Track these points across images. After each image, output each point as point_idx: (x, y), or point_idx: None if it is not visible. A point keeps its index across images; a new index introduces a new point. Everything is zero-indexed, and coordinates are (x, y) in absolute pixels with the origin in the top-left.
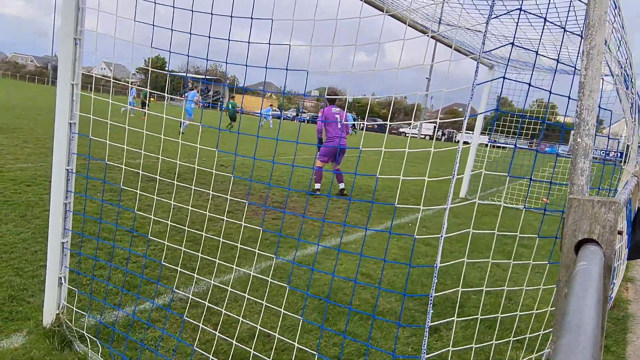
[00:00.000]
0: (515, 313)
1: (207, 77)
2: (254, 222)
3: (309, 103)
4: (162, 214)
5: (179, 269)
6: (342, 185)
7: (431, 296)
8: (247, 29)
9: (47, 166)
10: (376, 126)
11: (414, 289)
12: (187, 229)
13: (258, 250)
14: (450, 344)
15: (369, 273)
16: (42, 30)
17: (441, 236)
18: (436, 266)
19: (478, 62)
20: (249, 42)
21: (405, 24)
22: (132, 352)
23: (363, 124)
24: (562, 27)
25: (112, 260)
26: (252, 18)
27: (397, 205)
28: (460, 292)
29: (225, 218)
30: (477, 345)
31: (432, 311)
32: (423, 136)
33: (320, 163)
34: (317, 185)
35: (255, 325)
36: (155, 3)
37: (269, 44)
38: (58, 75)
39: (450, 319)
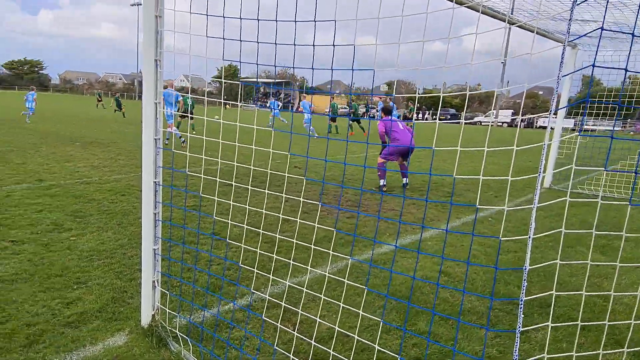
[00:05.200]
0: (629, 321)
1: (277, 80)
2: (329, 221)
3: (378, 98)
4: (241, 217)
5: (255, 270)
6: (405, 180)
7: (521, 300)
8: (316, 30)
9: (139, 177)
10: (449, 116)
11: (497, 288)
12: (262, 231)
13: (333, 250)
14: (545, 351)
15: (447, 271)
16: (129, 48)
17: (529, 237)
18: (525, 269)
19: (563, 52)
20: (313, 45)
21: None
22: (220, 350)
23: (428, 115)
24: None
25: (196, 264)
26: (315, 21)
27: (479, 207)
28: (554, 296)
29: (298, 219)
30: (579, 354)
31: (521, 312)
32: (500, 124)
33: (382, 160)
34: (382, 182)
35: (333, 325)
36: (224, 17)
37: (333, 46)
38: (143, 96)
39: (544, 324)
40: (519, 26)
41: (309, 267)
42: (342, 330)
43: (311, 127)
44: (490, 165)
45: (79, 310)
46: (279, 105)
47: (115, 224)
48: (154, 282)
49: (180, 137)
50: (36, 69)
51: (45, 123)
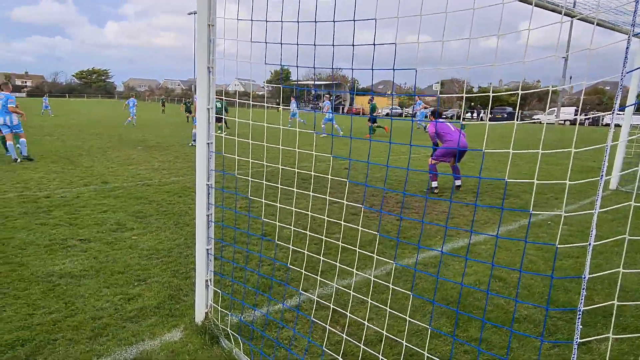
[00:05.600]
0: None
1: (327, 82)
2: (377, 224)
3: (430, 98)
4: (291, 219)
5: (303, 271)
6: (458, 182)
7: (579, 310)
8: (366, 30)
9: (194, 179)
10: (505, 115)
11: (556, 296)
12: (308, 233)
13: (384, 252)
14: None
15: (501, 276)
16: (187, 55)
17: (589, 244)
18: (584, 277)
19: (628, 46)
20: (353, 45)
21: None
22: (269, 349)
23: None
24: None
25: (247, 264)
26: (354, 20)
27: (532, 212)
28: (615, 305)
29: (342, 222)
30: None
31: (579, 323)
32: (562, 122)
33: (434, 161)
34: (434, 184)
35: (381, 329)
36: (266, 22)
37: (374, 45)
38: (197, 102)
39: (605, 335)
40: (581, 19)
41: (354, 270)
42: (389, 335)
43: (336, 126)
44: (549, 166)
45: (139, 306)
46: (299, 106)
47: (173, 224)
48: (207, 281)
49: (194, 140)
50: (103, 77)
51: (111, 128)
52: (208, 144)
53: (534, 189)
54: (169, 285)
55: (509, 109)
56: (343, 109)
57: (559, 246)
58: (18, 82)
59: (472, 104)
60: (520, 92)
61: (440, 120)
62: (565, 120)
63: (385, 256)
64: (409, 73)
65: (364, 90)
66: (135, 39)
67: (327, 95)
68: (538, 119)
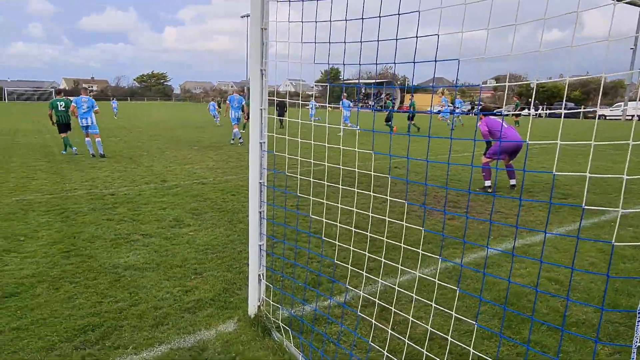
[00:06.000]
0: None
1: (377, 81)
2: (428, 222)
3: (485, 94)
4: (341, 216)
5: (350, 267)
6: (513, 182)
7: (639, 312)
8: (421, 28)
9: (246, 177)
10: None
11: (618, 300)
12: (354, 229)
13: (434, 251)
14: None
15: (558, 279)
16: (240, 57)
17: None
18: None
19: None
20: (396, 39)
21: None
22: (318, 343)
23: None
24: None
25: (297, 259)
26: (399, 14)
27: (585, 207)
28: None
29: (387, 218)
30: None
31: (637, 325)
32: (630, 117)
33: (487, 160)
34: (487, 183)
35: (430, 327)
36: (315, 22)
37: (416, 37)
38: (250, 102)
39: None
40: (629, 2)
41: (399, 266)
42: (437, 332)
43: (350, 124)
44: (616, 165)
45: (196, 298)
46: (349, 105)
47: (227, 221)
48: (259, 275)
49: (240, 138)
50: (161, 81)
51: (169, 130)
52: (260, 143)
53: (586, 184)
54: (223, 279)
55: (571, 105)
56: (394, 107)
57: (615, 244)
58: (85, 87)
59: (530, 100)
60: (567, 87)
61: (492, 116)
62: (633, 115)
63: (435, 255)
64: (463, 70)
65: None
66: (191, 43)
67: (345, 95)
68: (602, 114)
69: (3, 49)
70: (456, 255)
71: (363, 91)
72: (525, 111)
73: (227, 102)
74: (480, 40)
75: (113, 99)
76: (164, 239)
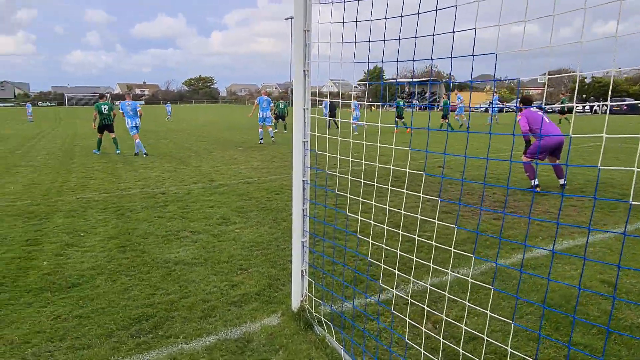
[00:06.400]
0: None
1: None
2: (473, 222)
3: (534, 91)
4: (382, 216)
5: (395, 270)
6: (562, 181)
7: None
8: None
9: (290, 177)
10: (625, 107)
11: None
12: (400, 232)
13: (477, 252)
14: None
15: (611, 281)
16: (284, 59)
17: None
18: None
19: None
20: (433, 35)
21: None
22: (359, 339)
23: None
24: None
25: (334, 256)
26: (436, 10)
27: (633, 203)
28: None
29: (435, 220)
30: None
31: None
32: None
33: (527, 158)
34: (534, 182)
35: (473, 328)
36: (356, 22)
37: (453, 32)
38: (294, 102)
39: None
40: None
41: (441, 268)
42: (477, 334)
43: (359, 123)
44: None
45: (241, 292)
46: (358, 106)
47: (271, 219)
48: (302, 271)
49: (271, 136)
50: (208, 84)
51: (216, 130)
52: (304, 142)
53: (634, 179)
54: (268, 275)
55: (629, 100)
56: (438, 105)
57: None
58: (137, 91)
59: (585, 95)
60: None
61: (533, 110)
62: None
63: (480, 255)
64: (512, 67)
65: (460, 85)
66: (237, 46)
67: (355, 95)
68: None
69: (63, 57)
70: (502, 255)
71: (406, 90)
72: (569, 105)
73: (256, 102)
74: (530, 35)
75: (167, 103)
76: (211, 235)
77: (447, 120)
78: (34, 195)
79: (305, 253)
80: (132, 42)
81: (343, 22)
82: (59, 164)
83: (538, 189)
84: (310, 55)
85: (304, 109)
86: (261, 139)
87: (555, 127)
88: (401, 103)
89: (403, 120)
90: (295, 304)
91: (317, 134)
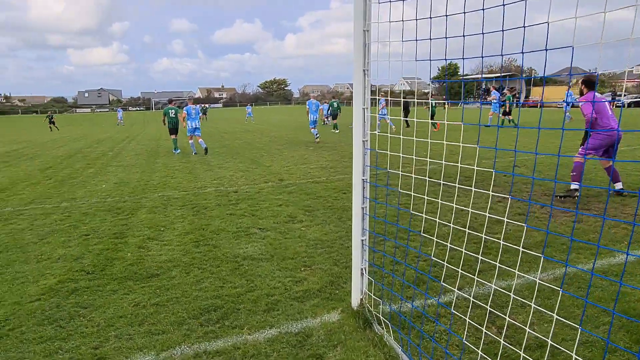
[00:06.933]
0: None
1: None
2: (551, 226)
3: (630, 83)
4: (449, 216)
5: (460, 270)
6: (619, 185)
7: None
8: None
9: None
10: None
11: None
12: (467, 230)
13: (551, 255)
14: None
15: None
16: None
17: None
18: None
19: None
20: (524, 27)
21: None
22: (418, 340)
23: None
24: None
25: (394, 254)
26: (504, 5)
27: None
28: None
29: (506, 219)
30: None
31: None
32: None
33: (580, 158)
34: (574, 186)
35: (543, 335)
36: (416, 20)
37: (524, 27)
38: (353, 101)
39: None
40: None
41: (513, 271)
42: (552, 343)
43: (383, 116)
44: None
45: (304, 288)
46: (383, 105)
47: (336, 218)
48: (362, 269)
49: (317, 136)
50: (282, 86)
51: (287, 131)
52: (363, 141)
53: None
54: (330, 273)
55: None
56: (518, 102)
57: None
58: (216, 95)
59: None
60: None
61: (599, 95)
62: None
63: (555, 259)
64: (606, 57)
65: (542, 79)
66: (310, 48)
67: (382, 93)
68: None
69: (151, 65)
70: (579, 260)
71: (483, 86)
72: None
73: (307, 107)
74: (627, 24)
75: (248, 105)
76: (278, 233)
77: (510, 117)
78: (122, 193)
79: (365, 251)
80: (212, 49)
81: (403, 21)
82: (145, 163)
83: (576, 195)
84: (370, 55)
85: (364, 108)
86: (317, 137)
87: (615, 119)
88: (511, 98)
89: (510, 117)
90: (354, 301)
91: (377, 132)
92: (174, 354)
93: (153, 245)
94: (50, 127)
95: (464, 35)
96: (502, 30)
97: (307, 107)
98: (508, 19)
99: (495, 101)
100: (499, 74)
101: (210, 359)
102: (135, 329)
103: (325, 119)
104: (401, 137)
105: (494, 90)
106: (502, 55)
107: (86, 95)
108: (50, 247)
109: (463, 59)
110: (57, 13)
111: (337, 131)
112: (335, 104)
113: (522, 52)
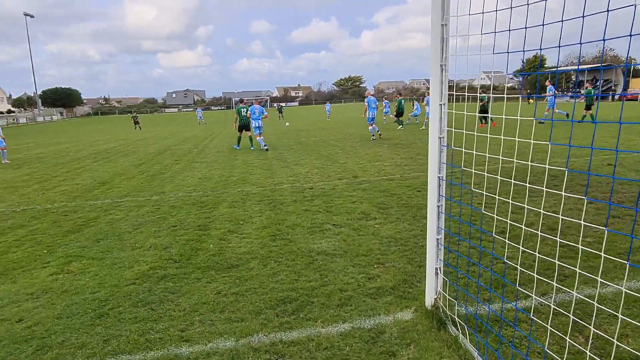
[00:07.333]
0: None
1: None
2: None
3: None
4: (534, 217)
5: (536, 275)
6: None
7: None
8: None
9: None
10: None
11: None
12: (558, 239)
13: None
14: None
15: None
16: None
17: None
18: None
19: None
20: (607, 11)
21: None
22: (496, 345)
23: None
24: None
25: (468, 255)
26: None
27: None
28: None
29: (593, 225)
30: None
31: None
32: None
33: None
34: None
35: (637, 349)
36: (496, 11)
37: (607, 11)
38: (430, 97)
39: None
40: None
41: (597, 278)
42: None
43: (558, 111)
44: None
45: (377, 285)
46: (485, 102)
47: (411, 216)
48: (436, 269)
49: (373, 135)
50: (357, 83)
51: (361, 128)
52: (440, 138)
53: None
54: (403, 271)
55: None
56: (613, 95)
57: None
58: (292, 93)
59: None
60: None
61: None
62: None
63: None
64: None
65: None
66: (386, 44)
67: (428, 92)
68: None
69: (232, 66)
70: None
71: (573, 78)
72: None
73: (365, 103)
74: None
75: (327, 103)
76: (352, 229)
77: (590, 112)
78: (205, 188)
79: (440, 251)
80: (289, 48)
81: (483, 13)
82: (226, 160)
83: None
84: (447, 49)
85: (440, 104)
86: (373, 135)
87: None
88: (592, 92)
89: (590, 112)
90: (428, 301)
91: (453, 130)
92: (252, 341)
93: (233, 238)
94: (135, 127)
95: (542, 25)
96: (606, 11)
97: (366, 103)
98: (590, 7)
99: (551, 97)
100: (591, 64)
101: (286, 348)
102: (217, 316)
103: (384, 117)
104: (475, 134)
105: (550, 85)
106: (603, 40)
107: (174, 95)
108: (142, 236)
109: (559, 46)
110: (149, 20)
111: (402, 127)
112: (402, 102)
113: (630, 35)
